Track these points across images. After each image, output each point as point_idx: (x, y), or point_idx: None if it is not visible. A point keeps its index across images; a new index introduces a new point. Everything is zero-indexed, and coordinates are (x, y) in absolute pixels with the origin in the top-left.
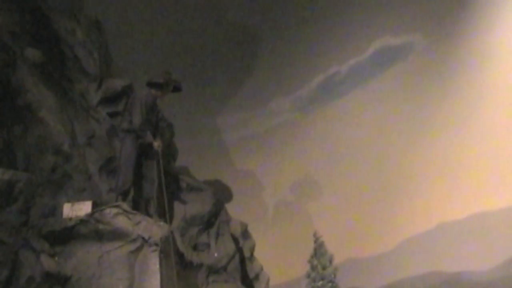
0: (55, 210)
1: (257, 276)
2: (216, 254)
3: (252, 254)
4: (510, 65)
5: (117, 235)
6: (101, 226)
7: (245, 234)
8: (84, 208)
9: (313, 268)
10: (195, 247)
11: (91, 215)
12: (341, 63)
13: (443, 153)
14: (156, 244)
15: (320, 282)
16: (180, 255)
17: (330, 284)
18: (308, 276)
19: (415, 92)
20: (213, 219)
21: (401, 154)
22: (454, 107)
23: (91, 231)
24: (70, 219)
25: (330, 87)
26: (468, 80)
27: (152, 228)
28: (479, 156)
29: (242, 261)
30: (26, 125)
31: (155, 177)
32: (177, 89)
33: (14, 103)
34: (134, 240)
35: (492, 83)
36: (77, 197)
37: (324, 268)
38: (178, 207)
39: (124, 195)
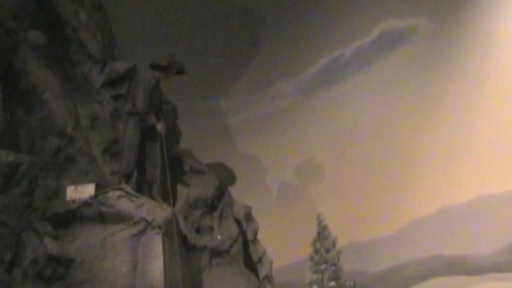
0: (59, 193)
1: (260, 259)
2: (219, 237)
3: (255, 237)
4: None
5: (120, 217)
6: (104, 209)
7: (249, 217)
8: (87, 190)
9: (316, 251)
10: (198, 230)
11: (94, 197)
12: (345, 46)
13: (447, 136)
14: (159, 227)
15: (323, 265)
16: (183, 238)
17: (333, 267)
18: (311, 259)
19: (419, 75)
20: (216, 202)
21: (405, 138)
22: (459, 90)
23: (94, 214)
24: (74, 201)
25: (334, 70)
26: (473, 64)
27: (155, 210)
28: (482, 139)
29: (245, 244)
30: (29, 108)
31: (158, 160)
32: (180, 71)
33: (17, 86)
34: (137, 223)
35: (497, 67)
36: (81, 180)
37: (327, 251)
38: (181, 190)
39: (127, 178)
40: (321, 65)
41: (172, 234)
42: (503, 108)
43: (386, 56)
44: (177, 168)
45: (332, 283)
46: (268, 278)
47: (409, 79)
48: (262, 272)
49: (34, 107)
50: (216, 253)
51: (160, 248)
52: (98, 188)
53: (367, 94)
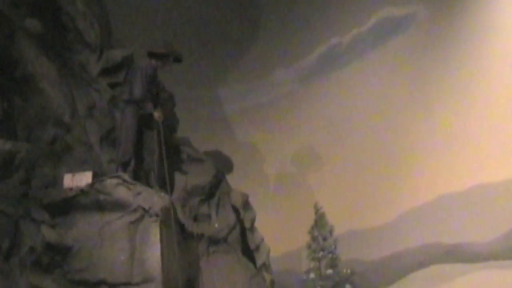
0: (56, 181)
1: (257, 247)
2: (216, 225)
3: (252, 225)
4: None
5: (117, 205)
6: (101, 197)
7: (246, 205)
8: (84, 178)
9: (313, 239)
10: (195, 218)
11: (91, 185)
12: (343, 34)
13: (445, 124)
14: (157, 215)
15: (321, 253)
16: (180, 226)
17: (330, 255)
18: (309, 247)
19: (417, 63)
20: (214, 190)
21: (403, 126)
22: (457, 78)
23: (91, 202)
24: (71, 189)
25: (331, 58)
26: (472, 52)
27: (153, 198)
28: (481, 127)
29: (243, 232)
30: (26, 96)
31: (155, 148)
32: (177, 59)
33: (14, 74)
34: (134, 211)
35: (496, 55)
36: (78, 168)
37: (324, 239)
38: (178, 178)
39: (125, 166)
40: (319, 53)
41: (170, 222)
42: (502, 97)
43: (384, 43)
44: (174, 156)
45: (329, 271)
46: (266, 266)
47: (407, 67)
48: (259, 260)
49: (31, 96)
50: (214, 241)
51: (158, 236)
52: (95, 176)
53: (364, 82)
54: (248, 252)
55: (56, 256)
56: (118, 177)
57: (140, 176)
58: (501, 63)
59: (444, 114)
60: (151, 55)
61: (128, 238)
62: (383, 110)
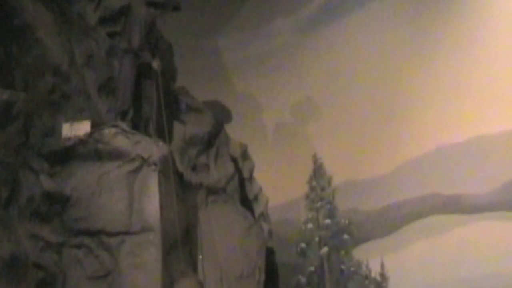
0: (54, 130)
1: (256, 197)
2: (215, 175)
3: (251, 175)
4: None
5: (116, 154)
6: (100, 146)
7: (245, 155)
8: (83, 128)
9: (312, 189)
10: (194, 168)
11: (90, 135)
12: None
13: (444, 75)
14: (155, 164)
15: (319, 203)
16: (179, 175)
17: (328, 205)
18: (307, 197)
19: (418, 13)
20: (212, 140)
21: (402, 76)
22: (458, 29)
23: (90, 151)
24: (69, 139)
25: (332, 7)
26: (473, 4)
27: (151, 147)
28: (480, 78)
29: (241, 182)
30: (24, 46)
31: (154, 97)
32: (176, 8)
33: (11, 23)
34: (133, 160)
35: (497, 7)
36: (76, 118)
37: (323, 189)
38: (177, 128)
39: (123, 115)
40: (319, 2)
41: (168, 171)
42: (503, 47)
43: None
44: (173, 105)
45: (327, 221)
46: (264, 216)
47: (409, 17)
48: (257, 210)
49: (29, 45)
50: (212, 190)
51: (156, 185)
52: (93, 125)
53: (365, 32)
54: (247, 202)
55: (55, 205)
56: (116, 126)
57: (138, 125)
58: (503, 15)
59: (444, 65)
60: (150, 3)
61: (126, 187)
62: (383, 61)
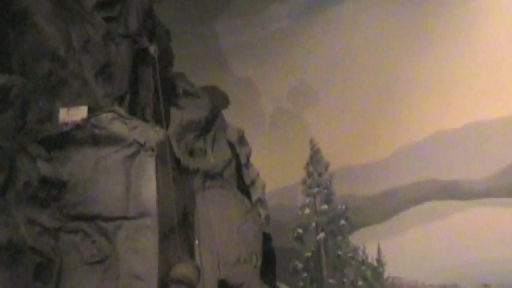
0: (51, 115)
1: (253, 182)
2: (212, 160)
3: (248, 161)
4: None
5: (113, 140)
6: (97, 131)
7: (242, 140)
8: (79, 113)
9: (309, 174)
10: (191, 153)
11: (87, 120)
12: None
13: (442, 60)
14: (152, 149)
15: (316, 189)
16: (176, 161)
17: (325, 191)
18: (304, 182)
19: None
20: (209, 125)
21: (399, 62)
22: (455, 15)
23: (87, 136)
24: (66, 124)
25: None
26: None
27: (148, 133)
28: (478, 64)
29: (239, 167)
30: (20, 30)
31: (151, 83)
32: None
33: (8, 8)
34: (130, 145)
35: None
36: (73, 103)
37: (320, 175)
38: (174, 113)
39: (120, 100)
40: None
41: (165, 156)
42: (501, 33)
43: None
44: (170, 91)
45: (324, 206)
46: (261, 201)
47: (404, 2)
48: (255, 195)
49: (26, 30)
50: (209, 176)
51: (153, 170)
52: (90, 110)
53: (362, 18)
54: (244, 187)
55: (52, 190)
56: (113, 111)
57: (135, 110)
58: (501, 4)
59: (442, 50)
60: None
61: (123, 172)
62: (380, 46)
